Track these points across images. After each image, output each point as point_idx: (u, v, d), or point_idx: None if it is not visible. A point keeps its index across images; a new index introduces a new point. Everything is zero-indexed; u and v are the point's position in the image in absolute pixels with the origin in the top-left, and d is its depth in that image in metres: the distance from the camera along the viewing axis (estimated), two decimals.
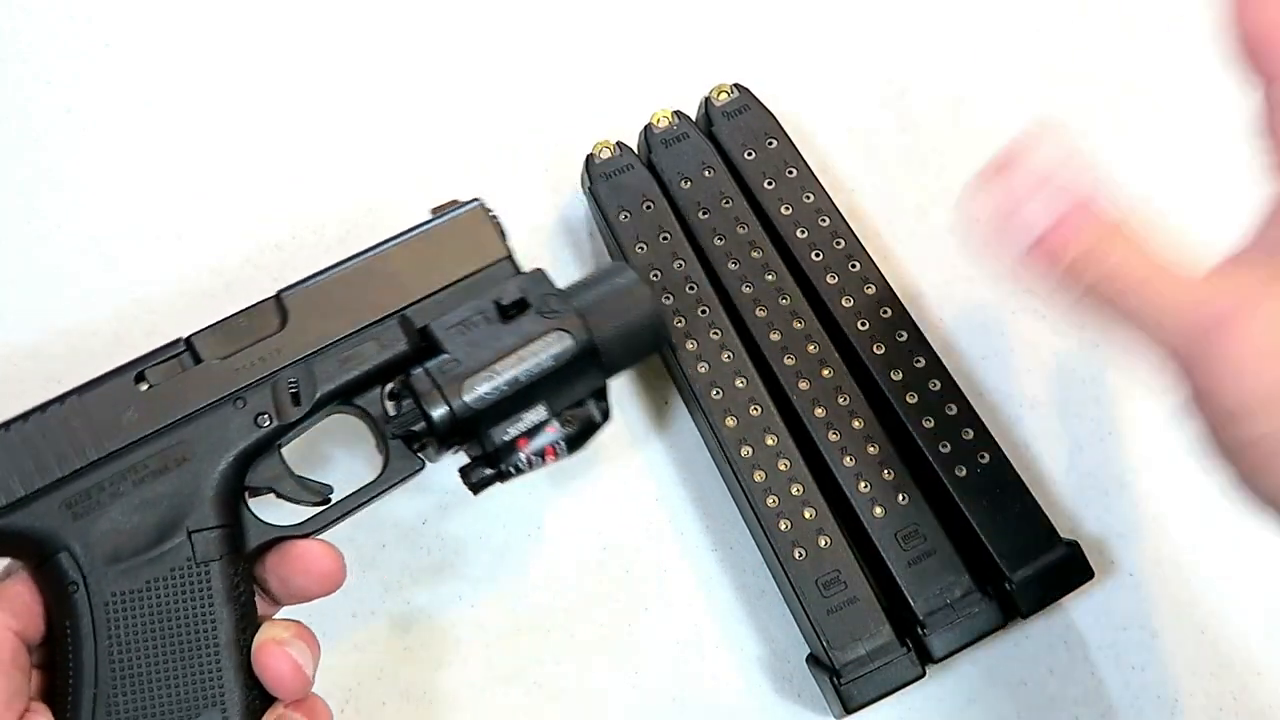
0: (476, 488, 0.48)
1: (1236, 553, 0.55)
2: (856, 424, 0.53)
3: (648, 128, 0.59)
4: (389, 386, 0.48)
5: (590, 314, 0.48)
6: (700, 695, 0.53)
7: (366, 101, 0.64)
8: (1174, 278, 0.37)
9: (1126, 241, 0.38)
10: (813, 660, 0.52)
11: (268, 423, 0.45)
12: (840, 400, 0.53)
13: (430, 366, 0.47)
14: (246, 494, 0.46)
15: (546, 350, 0.47)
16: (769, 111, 0.59)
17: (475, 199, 0.50)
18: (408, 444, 0.48)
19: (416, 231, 0.49)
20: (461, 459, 0.49)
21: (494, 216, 0.50)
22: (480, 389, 0.46)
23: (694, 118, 0.60)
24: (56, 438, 0.43)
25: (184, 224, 0.61)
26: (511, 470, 0.48)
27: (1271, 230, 0.38)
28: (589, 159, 0.58)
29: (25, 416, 0.44)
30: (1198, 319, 0.36)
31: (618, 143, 0.59)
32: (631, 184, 0.58)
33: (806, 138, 0.62)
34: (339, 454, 0.55)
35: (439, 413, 0.46)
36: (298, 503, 0.47)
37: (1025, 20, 0.66)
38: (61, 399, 0.44)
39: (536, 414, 0.47)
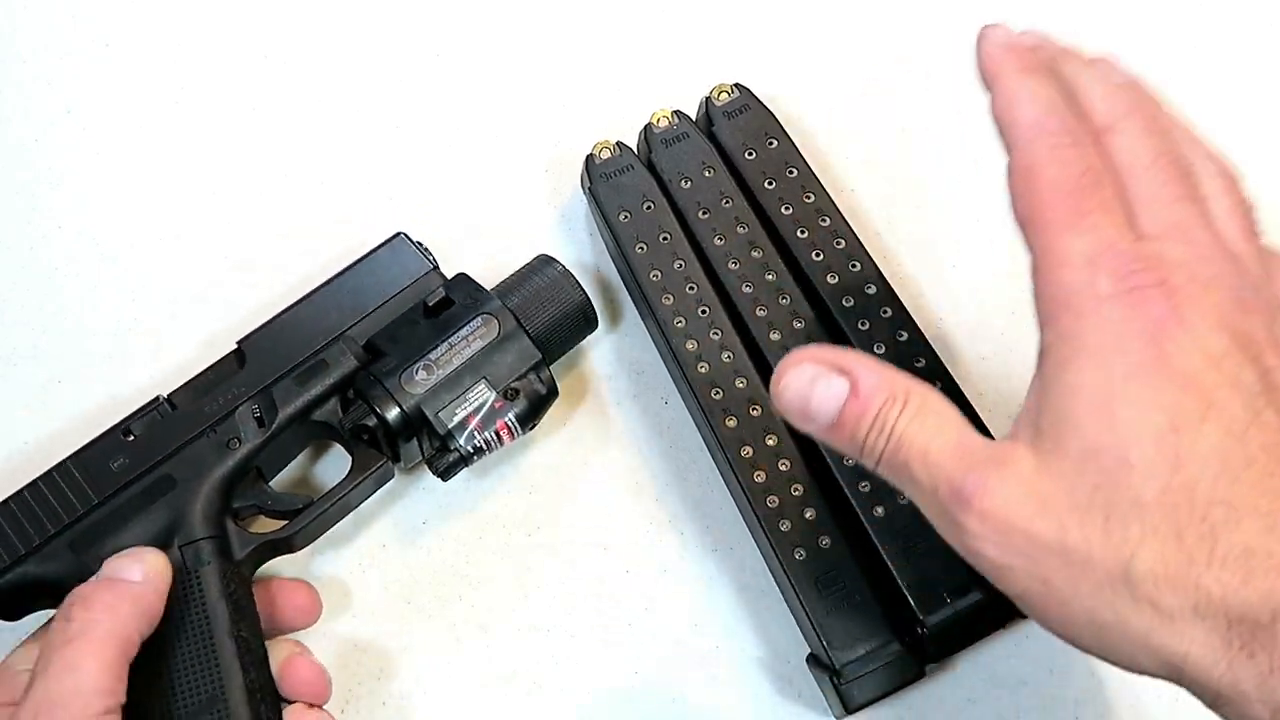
0: (445, 474, 0.52)
1: None
2: None
3: (648, 128, 0.59)
4: (346, 398, 0.53)
5: (510, 296, 0.54)
6: (700, 695, 0.53)
7: (366, 102, 0.64)
8: (953, 446, 0.37)
9: (912, 411, 0.38)
10: (813, 660, 0.52)
11: (238, 445, 0.51)
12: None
13: (373, 369, 0.52)
14: (235, 516, 0.51)
15: (472, 333, 0.53)
16: (769, 111, 0.59)
17: (398, 231, 0.56)
18: (372, 445, 0.52)
19: (349, 268, 0.55)
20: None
21: (418, 243, 0.55)
22: (418, 376, 0.52)
23: (694, 118, 0.60)
24: (59, 492, 0.49)
25: (184, 224, 0.62)
26: (470, 450, 0.51)
27: (1034, 395, 0.37)
28: (589, 159, 0.58)
29: (34, 484, 0.50)
30: (948, 492, 0.37)
31: (618, 143, 0.59)
32: (631, 184, 0.58)
33: (807, 137, 0.62)
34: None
35: (386, 408, 0.51)
36: (282, 515, 0.52)
37: (1025, 21, 0.66)
38: (60, 464, 0.50)
39: (479, 393, 0.52)
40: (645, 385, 0.58)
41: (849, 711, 0.50)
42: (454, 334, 0.52)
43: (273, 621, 0.51)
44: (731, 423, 0.53)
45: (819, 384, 0.40)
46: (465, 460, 0.52)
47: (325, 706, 0.50)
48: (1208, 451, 0.33)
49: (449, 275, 0.55)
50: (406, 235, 0.56)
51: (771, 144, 0.58)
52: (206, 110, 0.64)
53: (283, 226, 0.61)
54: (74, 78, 0.65)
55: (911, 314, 0.55)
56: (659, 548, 0.56)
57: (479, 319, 0.53)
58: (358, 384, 0.52)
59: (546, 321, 0.54)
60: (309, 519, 0.51)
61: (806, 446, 0.53)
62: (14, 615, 0.49)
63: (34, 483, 0.50)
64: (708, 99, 0.59)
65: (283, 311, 0.54)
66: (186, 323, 0.59)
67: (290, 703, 0.49)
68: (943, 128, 0.64)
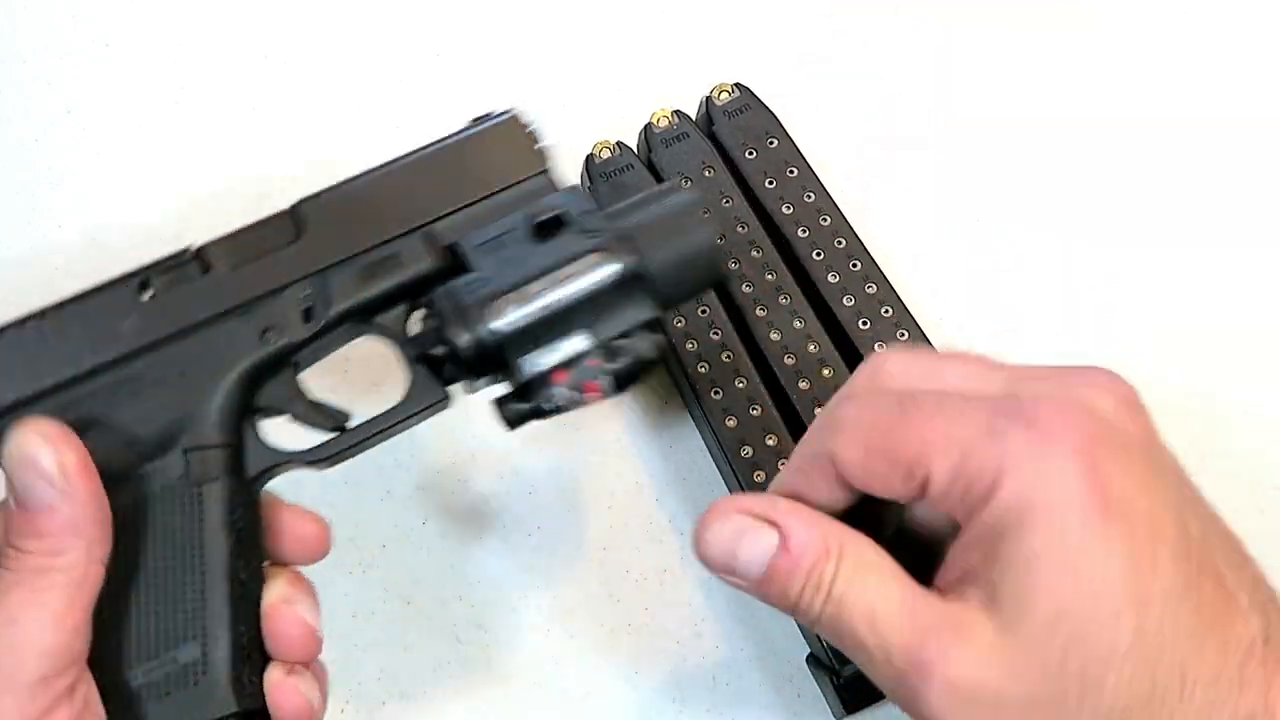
0: (512, 423, 0.43)
1: None
2: None
3: (648, 127, 0.59)
4: (417, 308, 0.44)
5: (638, 235, 0.43)
6: (700, 695, 0.53)
7: (366, 101, 0.64)
8: (900, 608, 0.35)
9: (849, 569, 0.36)
10: (813, 660, 0.52)
11: (275, 339, 0.42)
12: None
13: (455, 286, 0.42)
14: (257, 415, 0.43)
15: (585, 273, 0.42)
16: (769, 111, 0.59)
17: (510, 109, 0.45)
18: (436, 372, 0.44)
19: (446, 142, 0.45)
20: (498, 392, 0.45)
21: (531, 129, 0.46)
22: (509, 313, 0.41)
23: (694, 117, 0.60)
24: (51, 345, 0.40)
25: (184, 224, 0.62)
26: (548, 406, 0.42)
27: (979, 557, 0.35)
28: (589, 159, 0.58)
29: (22, 322, 0.41)
30: (906, 661, 0.35)
31: (618, 143, 0.59)
32: (631, 184, 0.57)
33: (807, 137, 0.62)
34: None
35: (462, 337, 0.41)
36: (312, 427, 0.43)
37: (1023, 21, 0.66)
38: (60, 305, 0.41)
39: (575, 343, 0.42)
40: (645, 385, 0.58)
41: (849, 711, 0.50)
42: (561, 266, 0.42)
43: (268, 551, 0.43)
44: (731, 423, 0.53)
45: (746, 536, 0.37)
46: (540, 414, 0.43)
47: (326, 703, 0.44)
48: (1169, 584, 0.33)
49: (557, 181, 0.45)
50: (519, 114, 0.45)
51: (771, 144, 0.58)
52: (207, 110, 0.64)
53: None
54: (74, 78, 0.65)
55: (911, 313, 0.55)
56: (659, 548, 0.56)
57: (595, 254, 0.42)
58: (434, 297, 0.43)
59: (672, 271, 0.43)
60: (348, 443, 0.43)
61: None
62: None
63: (27, 320, 0.41)
64: (708, 99, 0.59)
65: (355, 178, 0.45)
66: None
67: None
68: (943, 128, 0.64)
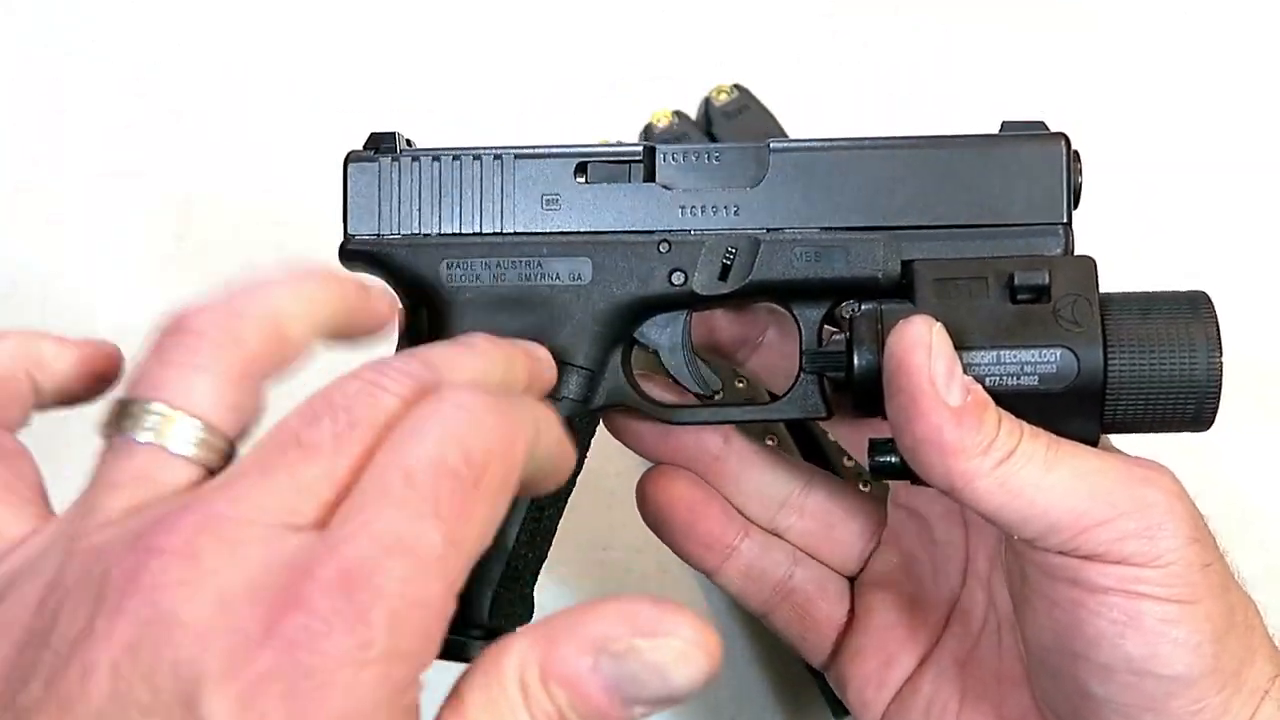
0: (876, 472, 0.38)
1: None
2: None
3: (648, 128, 0.59)
4: (838, 308, 0.40)
5: (1121, 343, 0.37)
6: (700, 695, 0.53)
7: (366, 101, 0.64)
8: None
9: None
10: None
11: (681, 282, 0.39)
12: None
13: (887, 309, 0.38)
14: (631, 347, 0.41)
15: (1037, 361, 0.36)
16: (769, 111, 0.59)
17: (1062, 132, 0.39)
18: (825, 384, 0.40)
19: (961, 142, 0.39)
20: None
21: (1074, 162, 0.39)
22: None
23: (694, 118, 0.60)
24: (468, 188, 0.40)
25: (183, 225, 0.62)
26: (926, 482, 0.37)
27: None
28: None
29: (455, 156, 0.41)
30: None
31: (618, 143, 0.59)
32: None
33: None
34: None
35: (865, 365, 0.37)
36: (681, 381, 0.42)
37: (1023, 21, 0.66)
38: (498, 153, 0.40)
39: None
40: None
41: (848, 712, 0.50)
42: (1012, 350, 0.36)
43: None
44: None
45: None
46: (912, 476, 0.37)
47: None
48: None
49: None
50: (1069, 140, 0.39)
51: None
52: (207, 109, 0.64)
53: (286, 229, 0.61)
54: (74, 77, 0.65)
55: None
56: (659, 548, 0.55)
57: (1059, 350, 0.36)
58: (859, 313, 0.38)
59: (1139, 400, 0.37)
60: (707, 417, 0.41)
61: (805, 446, 0.53)
62: None
63: (459, 154, 0.40)
64: (708, 99, 0.59)
65: (843, 139, 0.40)
66: None
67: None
68: (942, 127, 0.64)
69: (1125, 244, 0.62)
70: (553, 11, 0.66)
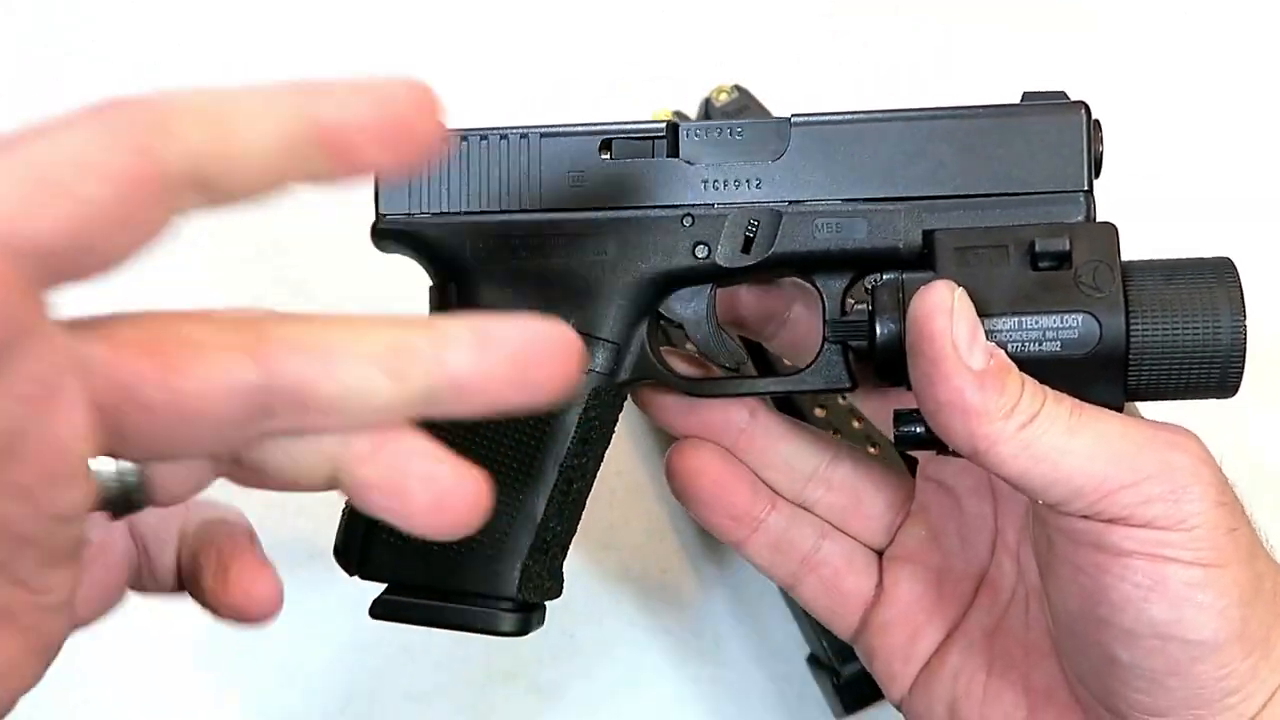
0: (901, 442, 0.39)
1: None
2: (856, 424, 0.53)
3: (707, 101, 0.59)
4: (859, 280, 0.41)
5: (1143, 308, 0.37)
6: (700, 696, 0.53)
7: None
8: None
9: None
10: (813, 660, 0.52)
11: (705, 255, 0.40)
12: (840, 400, 0.53)
13: (909, 278, 0.38)
14: (658, 321, 0.42)
15: (1058, 328, 0.36)
16: (769, 112, 0.59)
17: (1082, 101, 0.40)
18: (849, 355, 0.41)
19: (983, 113, 0.40)
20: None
21: (1095, 131, 0.40)
22: None
23: (694, 118, 0.60)
24: (496, 167, 0.41)
25: (183, 224, 0.61)
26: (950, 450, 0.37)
27: None
28: None
29: (483, 136, 0.41)
30: None
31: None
32: None
33: None
34: None
35: (887, 334, 0.37)
36: (707, 355, 0.42)
37: (1023, 21, 0.66)
38: (524, 132, 0.41)
39: None
40: None
41: (849, 711, 0.50)
42: (1033, 314, 0.37)
43: (215, 596, 0.34)
44: None
45: None
46: (939, 445, 0.37)
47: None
48: None
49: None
50: (1089, 109, 0.40)
51: None
52: None
53: (286, 230, 0.61)
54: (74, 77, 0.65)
55: None
56: (659, 548, 0.56)
57: (1080, 316, 0.37)
58: (880, 284, 0.38)
59: (1161, 366, 0.37)
60: (733, 389, 0.42)
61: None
62: None
63: (487, 134, 0.41)
64: (708, 99, 0.59)
65: (864, 112, 0.41)
66: None
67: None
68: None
69: (1128, 243, 0.62)
70: (553, 11, 0.66)
